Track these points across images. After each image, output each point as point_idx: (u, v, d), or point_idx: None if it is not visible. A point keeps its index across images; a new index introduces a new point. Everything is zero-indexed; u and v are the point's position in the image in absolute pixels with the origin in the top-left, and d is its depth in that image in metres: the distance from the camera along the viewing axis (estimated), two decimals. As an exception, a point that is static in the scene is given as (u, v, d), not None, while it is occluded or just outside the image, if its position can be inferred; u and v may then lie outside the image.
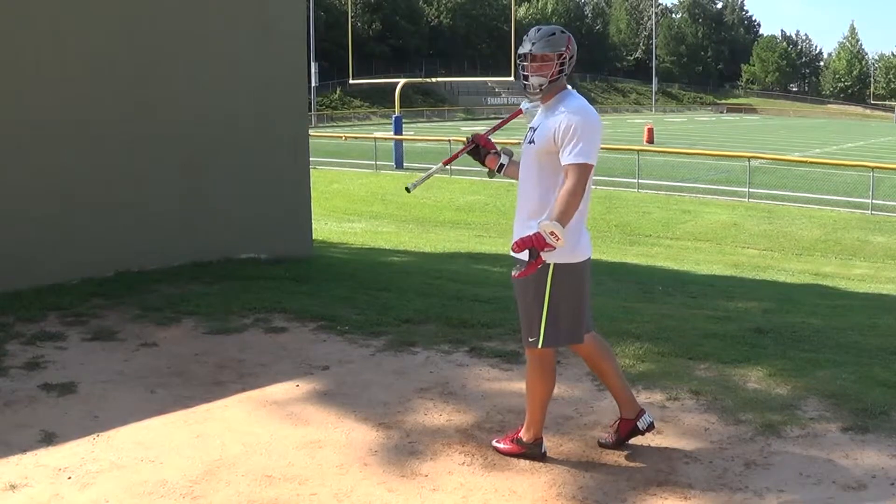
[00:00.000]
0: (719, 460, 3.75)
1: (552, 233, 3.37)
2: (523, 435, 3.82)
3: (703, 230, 18.55)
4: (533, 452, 3.79)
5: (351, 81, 39.70)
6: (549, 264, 3.55)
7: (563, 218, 3.41)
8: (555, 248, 3.41)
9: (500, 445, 3.87)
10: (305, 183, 9.14)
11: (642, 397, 4.46)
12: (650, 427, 3.90)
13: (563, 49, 3.61)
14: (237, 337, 5.67)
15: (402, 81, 34.56)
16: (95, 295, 6.59)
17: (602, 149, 3.75)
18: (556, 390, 4.51)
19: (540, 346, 3.66)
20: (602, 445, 3.91)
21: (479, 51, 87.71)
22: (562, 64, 3.60)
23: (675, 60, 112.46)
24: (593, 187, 3.71)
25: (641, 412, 3.90)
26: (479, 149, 3.98)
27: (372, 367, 5.07)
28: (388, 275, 9.19)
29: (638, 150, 23.34)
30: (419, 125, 57.62)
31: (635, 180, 23.22)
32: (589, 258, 3.70)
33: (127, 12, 7.44)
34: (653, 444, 3.92)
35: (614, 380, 3.92)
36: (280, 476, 3.64)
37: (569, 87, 3.68)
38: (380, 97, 68.06)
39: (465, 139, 4.06)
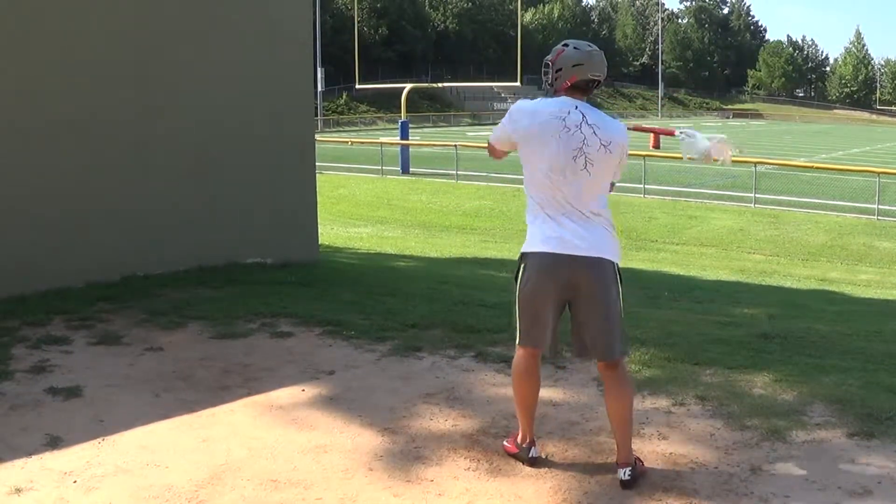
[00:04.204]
0: (725, 466, 3.74)
1: None
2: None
3: (709, 235, 18.53)
4: (520, 455, 3.78)
5: (357, 86, 39.66)
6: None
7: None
8: None
9: (505, 444, 3.90)
10: (312, 187, 9.16)
11: (648, 403, 4.46)
12: (623, 484, 3.54)
13: (549, 58, 3.67)
14: (243, 341, 5.68)
15: (408, 86, 34.57)
16: (101, 299, 6.60)
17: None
18: (561, 395, 4.51)
19: (517, 342, 3.70)
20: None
21: (486, 56, 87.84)
22: (547, 74, 3.66)
23: (682, 66, 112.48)
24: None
25: (624, 464, 3.58)
26: None
27: (377, 372, 5.07)
28: (394, 280, 9.20)
29: (644, 156, 23.22)
30: (425, 130, 57.66)
31: (641, 185, 23.19)
32: (546, 255, 3.56)
33: (133, 16, 7.46)
34: (658, 450, 3.91)
35: (615, 425, 3.68)
36: (285, 481, 3.64)
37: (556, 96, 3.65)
38: (386, 102, 68.14)
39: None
